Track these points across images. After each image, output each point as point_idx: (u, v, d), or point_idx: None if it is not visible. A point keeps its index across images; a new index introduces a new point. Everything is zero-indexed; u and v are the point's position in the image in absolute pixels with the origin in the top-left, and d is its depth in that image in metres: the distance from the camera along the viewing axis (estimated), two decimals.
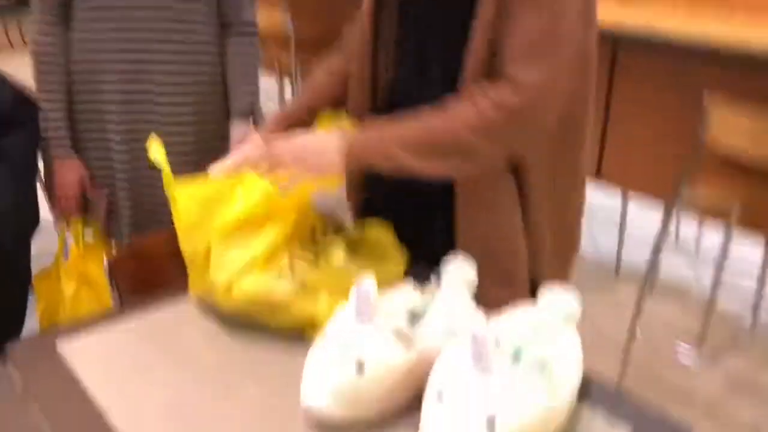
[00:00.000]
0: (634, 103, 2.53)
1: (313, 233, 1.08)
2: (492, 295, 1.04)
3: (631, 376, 2.30)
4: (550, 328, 0.90)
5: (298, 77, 3.74)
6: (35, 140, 1.47)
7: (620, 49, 2.50)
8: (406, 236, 1.13)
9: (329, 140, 1.02)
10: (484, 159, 1.03)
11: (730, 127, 1.93)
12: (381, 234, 1.13)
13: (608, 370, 2.30)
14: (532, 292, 1.16)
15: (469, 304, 0.98)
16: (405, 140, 1.01)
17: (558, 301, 0.92)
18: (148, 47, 1.42)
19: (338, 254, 1.04)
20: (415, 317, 0.95)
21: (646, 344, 2.42)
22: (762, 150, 1.85)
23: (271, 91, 4.57)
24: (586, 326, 2.46)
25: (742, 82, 2.19)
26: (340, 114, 1.18)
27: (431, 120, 1.01)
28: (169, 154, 1.46)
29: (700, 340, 2.48)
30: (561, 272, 1.22)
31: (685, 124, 2.29)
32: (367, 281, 0.85)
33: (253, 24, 1.53)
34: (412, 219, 1.19)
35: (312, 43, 3.75)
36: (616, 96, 2.56)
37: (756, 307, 2.61)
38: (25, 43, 3.71)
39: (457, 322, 0.90)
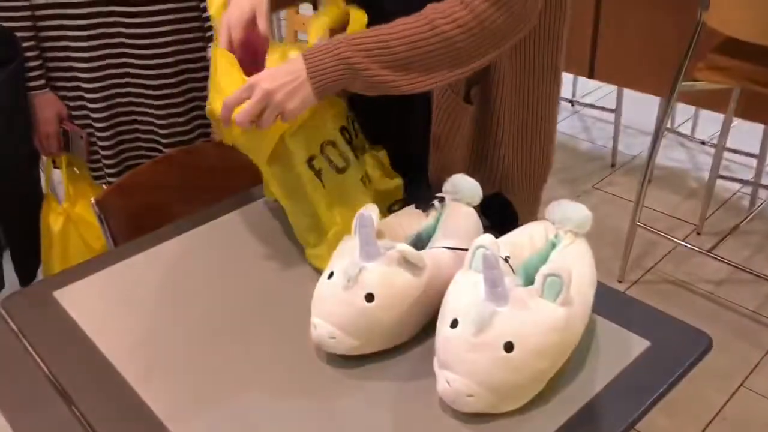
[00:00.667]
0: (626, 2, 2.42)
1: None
2: None
3: (633, 269, 2.32)
4: (562, 241, 0.87)
5: None
6: (18, 78, 1.38)
7: None
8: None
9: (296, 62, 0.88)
10: (477, 59, 0.91)
11: (727, 10, 1.85)
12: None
13: (610, 261, 2.31)
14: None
15: (476, 224, 0.94)
16: (387, 50, 0.88)
17: (568, 212, 0.89)
18: None
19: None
20: (421, 241, 0.92)
21: (645, 234, 2.42)
22: (758, 33, 1.78)
23: None
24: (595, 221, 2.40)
25: None
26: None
27: (413, 28, 0.88)
28: (149, 79, 1.41)
29: (699, 228, 2.48)
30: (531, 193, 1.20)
31: (680, 15, 2.20)
32: (368, 212, 0.81)
33: None
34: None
35: None
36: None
37: (754, 193, 2.60)
38: None
39: (465, 244, 0.87)
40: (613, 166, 2.93)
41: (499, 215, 1.13)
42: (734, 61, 1.98)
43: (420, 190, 1.08)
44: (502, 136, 1.10)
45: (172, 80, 1.43)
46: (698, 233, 2.48)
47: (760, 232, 2.47)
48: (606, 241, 2.44)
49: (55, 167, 1.52)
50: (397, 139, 1.11)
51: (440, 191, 0.96)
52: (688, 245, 2.25)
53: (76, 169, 1.50)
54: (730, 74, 1.95)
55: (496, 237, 0.80)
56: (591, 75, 2.61)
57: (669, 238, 2.31)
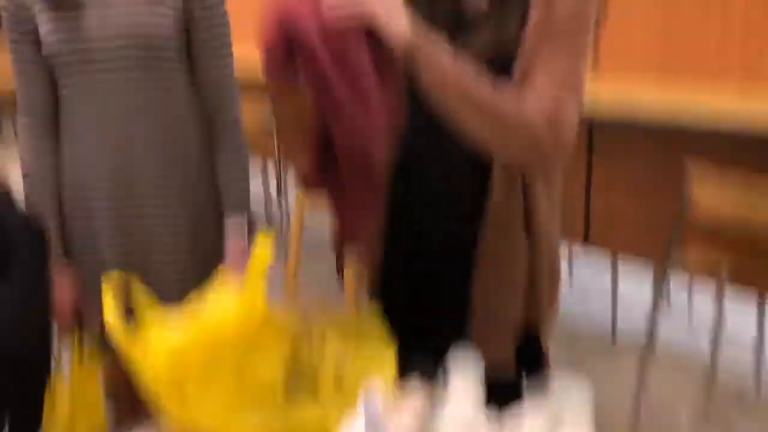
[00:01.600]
0: (616, 168, 2.57)
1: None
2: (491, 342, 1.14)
3: None
4: (565, 423, 0.88)
5: (281, 163, 3.78)
6: (44, 261, 1.44)
7: (596, 120, 2.57)
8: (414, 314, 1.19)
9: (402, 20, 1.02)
10: (511, 150, 1.05)
11: (713, 194, 1.97)
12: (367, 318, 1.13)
13: None
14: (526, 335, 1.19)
15: (480, 409, 0.96)
16: (466, 77, 1.02)
17: (569, 391, 0.91)
18: (133, 157, 1.42)
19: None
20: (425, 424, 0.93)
21: (650, 416, 2.38)
22: (745, 216, 1.88)
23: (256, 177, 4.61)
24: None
25: (716, 149, 2.25)
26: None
27: (495, 88, 1.03)
28: (165, 264, 1.47)
29: (705, 409, 2.45)
30: (551, 309, 1.25)
31: (668, 190, 2.33)
32: (374, 391, 0.84)
33: (239, 120, 1.55)
34: (425, 292, 1.23)
35: None
36: (597, 161, 2.61)
37: (757, 371, 2.59)
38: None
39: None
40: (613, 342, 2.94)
41: (532, 362, 1.22)
42: (720, 237, 2.07)
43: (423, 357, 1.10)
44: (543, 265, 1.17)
45: (186, 255, 1.51)
46: (704, 414, 2.44)
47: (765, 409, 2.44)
48: (608, 423, 2.40)
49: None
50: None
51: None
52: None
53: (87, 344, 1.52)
54: (718, 249, 2.03)
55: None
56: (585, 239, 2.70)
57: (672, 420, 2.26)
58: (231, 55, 1.50)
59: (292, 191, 3.45)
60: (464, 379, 0.98)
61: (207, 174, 1.51)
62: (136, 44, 1.36)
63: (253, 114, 3.51)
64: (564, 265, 3.54)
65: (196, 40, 1.44)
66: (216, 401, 0.92)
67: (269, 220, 4.33)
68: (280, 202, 3.86)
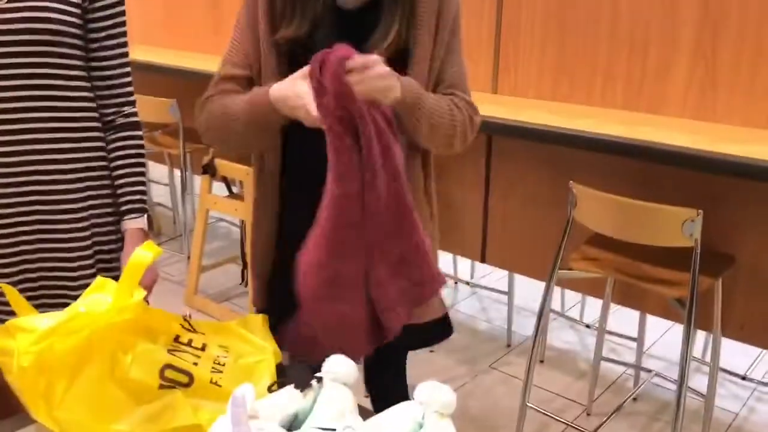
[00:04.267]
0: (511, 192, 2.68)
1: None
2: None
3: None
4: (427, 423, 0.93)
5: (189, 167, 3.73)
6: None
7: (494, 138, 2.67)
8: None
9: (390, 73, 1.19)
10: (458, 146, 1.38)
11: (593, 211, 2.08)
12: (254, 326, 1.15)
13: None
14: None
15: (351, 404, 1.00)
16: (439, 106, 1.31)
17: (434, 394, 0.96)
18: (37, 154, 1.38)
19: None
20: (297, 421, 0.96)
21: (536, 416, 2.49)
22: (622, 231, 2.01)
23: (164, 181, 4.54)
24: (481, 399, 2.53)
25: (600, 172, 2.39)
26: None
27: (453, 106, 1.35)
28: (69, 271, 1.42)
29: (589, 409, 2.58)
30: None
31: (560, 209, 2.44)
32: (241, 392, 0.86)
33: (137, 114, 1.51)
34: None
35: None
36: (493, 186, 2.72)
37: (636, 375, 2.76)
38: None
39: (339, 424, 0.92)
40: (508, 346, 3.05)
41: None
42: (604, 253, 2.20)
43: (299, 367, 1.13)
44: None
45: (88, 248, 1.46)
46: (588, 414, 2.57)
47: (645, 413, 2.59)
48: (500, 423, 2.49)
49: None
50: None
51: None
52: (577, 427, 2.34)
53: None
54: (601, 264, 2.15)
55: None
56: (483, 260, 2.81)
57: (559, 420, 2.39)
58: (127, 50, 1.47)
59: (197, 190, 3.42)
60: (337, 381, 1.01)
61: (107, 175, 1.47)
62: (37, 30, 1.33)
63: (157, 110, 3.45)
64: (467, 274, 3.64)
65: (94, 28, 1.40)
66: (85, 401, 0.92)
67: (175, 221, 4.27)
68: (184, 201, 3.81)
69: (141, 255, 1.00)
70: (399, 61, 1.30)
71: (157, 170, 4.46)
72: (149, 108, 3.45)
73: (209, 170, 3.05)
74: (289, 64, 1.32)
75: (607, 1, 2.54)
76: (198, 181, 3.46)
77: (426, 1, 1.33)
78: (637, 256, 2.13)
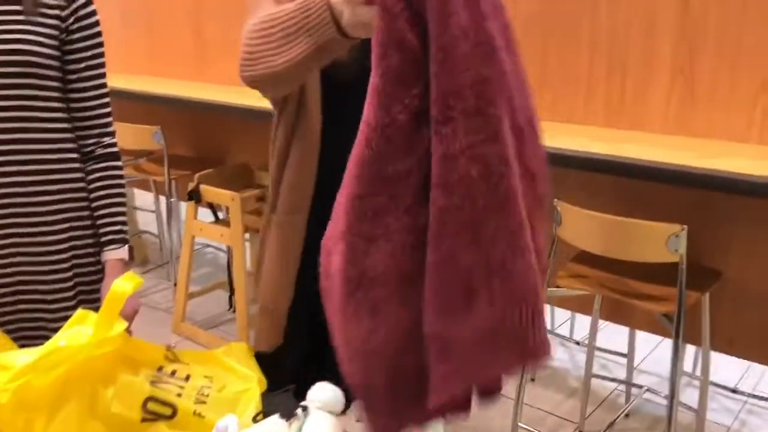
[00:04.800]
0: None
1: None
2: None
3: None
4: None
5: (174, 194, 3.72)
6: None
7: None
8: None
9: None
10: None
11: (578, 228, 2.09)
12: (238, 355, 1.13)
13: None
14: None
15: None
16: None
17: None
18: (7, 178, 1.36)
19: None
20: None
21: (528, 425, 2.48)
22: (608, 248, 2.01)
23: (150, 208, 4.52)
24: (473, 420, 2.49)
25: (588, 185, 2.40)
26: None
27: None
28: (49, 303, 1.41)
29: (581, 426, 2.57)
30: None
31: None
32: (226, 421, 0.85)
33: (116, 145, 1.49)
34: None
35: (186, 160, 3.77)
36: None
37: (627, 391, 2.75)
38: None
39: None
40: None
41: None
42: (591, 270, 2.20)
43: (288, 399, 1.12)
44: None
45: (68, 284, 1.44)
46: (580, 431, 2.56)
47: (637, 429, 2.58)
48: None
49: None
50: None
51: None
52: None
53: None
54: (588, 282, 2.15)
55: None
56: None
57: None
58: (105, 81, 1.47)
59: (183, 217, 3.40)
60: (322, 417, 1.00)
61: (87, 209, 1.46)
62: (13, 62, 1.32)
63: (142, 137, 3.45)
64: None
65: (72, 59, 1.40)
66: None
67: (161, 248, 4.25)
68: (170, 228, 3.79)
69: (120, 286, 0.99)
70: None
71: (142, 198, 4.43)
72: (133, 135, 3.45)
73: (194, 196, 3.04)
74: None
75: (586, 20, 2.56)
76: (184, 207, 3.44)
77: None
78: (624, 273, 2.14)
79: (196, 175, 3.08)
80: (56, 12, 1.36)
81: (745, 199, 2.11)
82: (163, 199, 3.91)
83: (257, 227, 3.07)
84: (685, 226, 1.89)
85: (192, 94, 3.39)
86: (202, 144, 3.89)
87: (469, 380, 0.77)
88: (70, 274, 1.43)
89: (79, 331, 0.98)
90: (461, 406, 0.78)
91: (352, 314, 0.79)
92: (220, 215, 3.20)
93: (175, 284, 3.45)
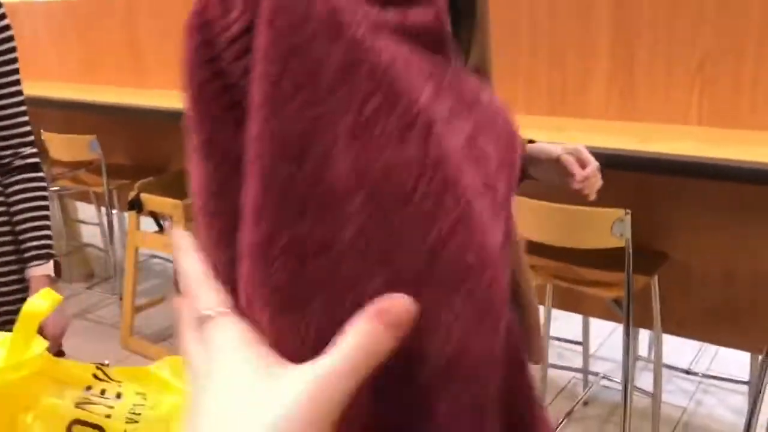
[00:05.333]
0: None
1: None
2: None
3: None
4: None
5: (115, 204, 3.61)
6: None
7: None
8: None
9: None
10: None
11: (525, 218, 2.08)
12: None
13: None
14: None
15: None
16: None
17: None
18: None
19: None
20: None
21: None
22: (554, 236, 2.01)
23: (93, 221, 4.38)
24: None
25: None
26: None
27: None
28: None
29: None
30: None
31: None
32: None
33: (37, 154, 1.42)
34: None
35: (126, 168, 3.66)
36: None
37: (585, 379, 2.76)
38: None
39: None
40: None
41: None
42: (540, 260, 2.19)
43: None
44: None
45: None
46: None
47: (595, 417, 2.59)
48: None
49: None
50: None
51: None
52: None
53: None
54: (538, 271, 2.14)
55: None
56: None
57: None
58: (20, 88, 1.39)
59: (124, 235, 3.30)
60: None
61: (6, 222, 1.39)
62: None
63: (77, 147, 3.33)
64: None
65: None
66: None
67: (106, 261, 4.13)
68: (112, 240, 3.68)
69: (35, 304, 0.92)
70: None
71: (84, 210, 4.30)
72: (69, 146, 3.33)
73: (136, 206, 2.95)
74: None
75: (525, 14, 2.56)
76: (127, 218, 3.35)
77: None
78: (572, 261, 2.13)
79: (137, 184, 2.99)
80: None
81: (687, 180, 2.13)
82: (105, 210, 3.79)
83: None
84: (629, 211, 1.89)
85: (129, 100, 3.29)
86: (141, 152, 3.78)
87: None
88: None
89: None
90: None
91: None
92: (165, 224, 3.12)
93: (121, 298, 3.35)
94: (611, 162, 2.05)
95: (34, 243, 1.38)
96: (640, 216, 2.01)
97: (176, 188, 3.03)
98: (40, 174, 1.41)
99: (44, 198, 1.41)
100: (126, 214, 3.46)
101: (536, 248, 2.19)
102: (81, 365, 1.01)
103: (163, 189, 2.97)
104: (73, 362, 1.00)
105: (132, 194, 2.96)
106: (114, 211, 3.65)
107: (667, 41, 2.30)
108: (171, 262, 4.02)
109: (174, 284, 3.36)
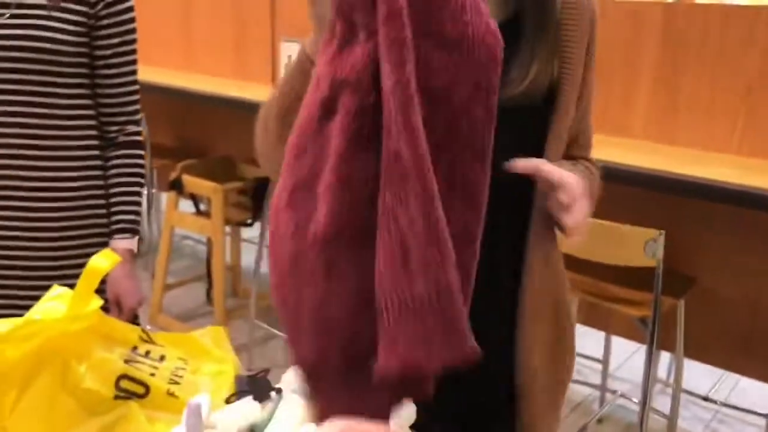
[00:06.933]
0: None
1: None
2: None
3: None
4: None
5: (155, 184, 3.70)
6: None
7: None
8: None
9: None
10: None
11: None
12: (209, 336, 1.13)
13: None
14: None
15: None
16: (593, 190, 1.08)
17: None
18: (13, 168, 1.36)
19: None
20: None
21: None
22: (586, 251, 2.03)
23: None
24: None
25: None
26: None
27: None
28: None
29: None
30: None
31: None
32: (197, 402, 0.84)
33: (140, 132, 1.48)
34: None
35: (169, 150, 3.75)
36: None
37: (602, 397, 2.77)
38: None
39: None
40: None
41: None
42: (568, 273, 2.20)
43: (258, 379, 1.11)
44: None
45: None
46: None
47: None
48: None
49: None
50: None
51: None
52: None
53: None
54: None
55: None
56: None
57: None
58: (135, 68, 1.46)
59: (162, 207, 3.38)
60: (295, 401, 1.00)
61: (101, 192, 1.46)
62: (36, 52, 1.32)
63: None
64: None
65: (100, 45, 1.39)
66: (36, 412, 0.89)
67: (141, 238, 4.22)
68: (150, 219, 3.76)
69: (97, 262, 0.98)
70: (540, 110, 0.97)
71: None
72: None
73: (176, 186, 3.02)
74: None
75: None
76: (165, 198, 3.43)
77: (576, 21, 0.97)
78: (601, 276, 2.15)
79: (179, 165, 3.06)
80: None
81: (721, 206, 2.14)
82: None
83: (238, 220, 3.06)
84: (663, 232, 1.90)
85: (178, 83, 3.38)
86: (185, 134, 3.87)
87: (413, 352, 0.65)
88: (57, 263, 1.42)
89: (54, 306, 0.97)
90: (416, 385, 0.68)
91: (305, 278, 0.71)
92: (202, 207, 3.19)
93: (153, 275, 3.43)
94: (648, 182, 2.08)
95: (123, 216, 1.44)
96: (672, 238, 2.03)
97: (217, 173, 3.10)
98: (140, 152, 1.47)
99: (140, 175, 1.47)
100: (164, 194, 3.55)
101: (564, 261, 2.21)
102: (129, 326, 1.06)
103: (204, 172, 3.05)
104: (122, 323, 1.06)
105: (173, 174, 3.04)
106: (153, 190, 3.73)
107: (712, 67, 2.32)
108: (203, 244, 4.11)
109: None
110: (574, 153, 1.08)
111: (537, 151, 0.97)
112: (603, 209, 1.96)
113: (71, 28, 1.35)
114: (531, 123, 0.97)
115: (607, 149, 2.32)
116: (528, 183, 0.96)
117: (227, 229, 3.20)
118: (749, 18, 2.22)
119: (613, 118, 2.56)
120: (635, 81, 2.49)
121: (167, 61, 4.08)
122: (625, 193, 2.31)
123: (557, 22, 0.97)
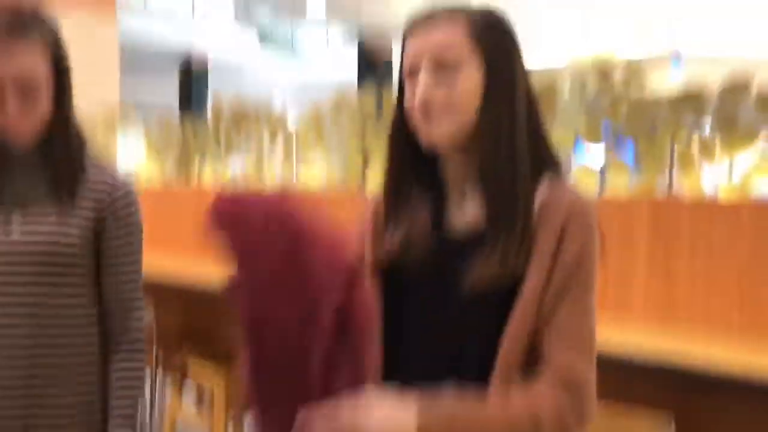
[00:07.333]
0: None
1: None
2: None
3: None
4: None
5: (160, 369, 3.66)
6: None
7: None
8: None
9: (401, 419, 0.96)
10: None
11: None
12: None
13: None
14: None
15: None
16: (479, 414, 1.00)
17: None
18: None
19: None
20: None
21: None
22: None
23: None
24: None
25: None
26: None
27: (511, 409, 1.00)
28: None
29: None
30: None
31: None
32: None
33: (142, 339, 1.49)
34: None
35: (175, 336, 3.73)
36: None
37: None
38: None
39: None
40: None
41: None
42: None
43: None
44: None
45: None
46: None
47: None
48: None
49: None
50: None
51: None
52: None
53: None
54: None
55: None
56: None
57: None
58: (138, 264, 1.50)
59: (166, 399, 3.31)
60: None
61: (98, 392, 1.47)
62: (41, 257, 1.37)
63: None
64: None
65: (105, 247, 1.44)
66: None
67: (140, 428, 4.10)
68: (152, 412, 3.68)
69: None
70: (503, 297, 1.05)
71: None
72: None
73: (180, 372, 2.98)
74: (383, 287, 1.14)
75: None
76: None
77: (548, 219, 1.06)
78: None
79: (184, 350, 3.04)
80: (93, 205, 1.42)
81: (734, 392, 2.09)
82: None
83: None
84: (672, 420, 1.85)
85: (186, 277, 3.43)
86: (191, 321, 3.87)
87: None
88: None
89: None
90: None
91: None
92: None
93: None
94: (653, 371, 2.04)
95: (123, 402, 1.45)
96: (680, 418, 1.96)
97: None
98: (141, 355, 1.49)
99: (140, 378, 1.49)
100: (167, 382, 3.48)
101: None
102: None
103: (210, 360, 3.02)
104: None
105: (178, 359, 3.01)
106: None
107: (706, 257, 2.36)
108: None
109: None
110: (552, 351, 1.06)
111: (499, 335, 1.04)
112: (604, 389, 1.92)
113: (80, 232, 1.40)
114: (495, 312, 1.05)
115: (606, 328, 2.29)
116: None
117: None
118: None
119: (612, 294, 2.57)
120: (631, 267, 2.52)
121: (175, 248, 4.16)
122: (635, 372, 2.26)
123: (528, 221, 1.06)
